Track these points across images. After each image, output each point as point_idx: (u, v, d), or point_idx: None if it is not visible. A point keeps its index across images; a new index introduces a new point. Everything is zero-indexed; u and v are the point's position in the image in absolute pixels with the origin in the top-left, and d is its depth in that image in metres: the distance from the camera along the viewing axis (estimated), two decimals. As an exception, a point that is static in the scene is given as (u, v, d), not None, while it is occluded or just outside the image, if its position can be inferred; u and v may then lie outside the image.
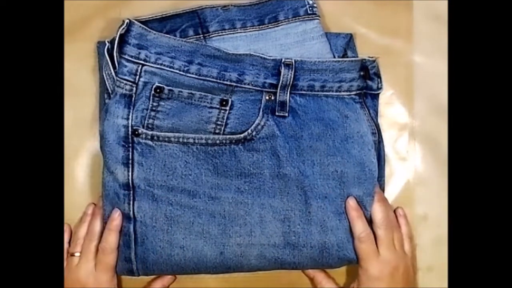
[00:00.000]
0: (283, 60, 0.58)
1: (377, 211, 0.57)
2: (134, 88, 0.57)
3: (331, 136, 0.58)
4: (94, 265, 0.56)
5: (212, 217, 0.58)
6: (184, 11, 0.60)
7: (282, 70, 0.58)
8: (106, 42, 0.57)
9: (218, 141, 0.58)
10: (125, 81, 0.57)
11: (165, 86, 0.57)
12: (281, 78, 0.58)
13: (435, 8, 0.63)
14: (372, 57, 0.60)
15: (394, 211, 0.60)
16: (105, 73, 0.58)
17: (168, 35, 0.57)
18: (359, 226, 0.57)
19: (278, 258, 0.58)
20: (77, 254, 0.57)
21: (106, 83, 0.58)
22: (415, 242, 0.62)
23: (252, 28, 0.61)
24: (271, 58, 0.58)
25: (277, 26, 0.61)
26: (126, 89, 0.57)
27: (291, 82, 0.58)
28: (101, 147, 0.58)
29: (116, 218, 0.56)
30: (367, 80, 0.60)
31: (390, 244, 0.56)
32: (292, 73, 0.58)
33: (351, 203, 0.57)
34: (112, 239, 0.56)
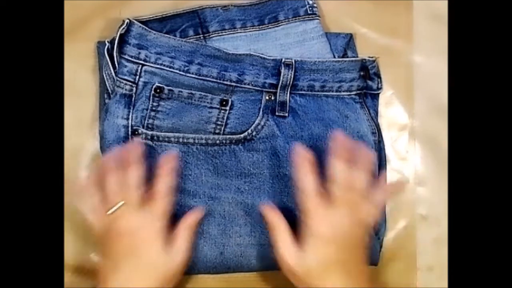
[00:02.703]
0: (283, 60, 0.58)
1: (335, 168, 0.51)
2: (134, 88, 0.57)
3: (331, 136, 0.58)
4: (139, 215, 0.51)
5: (212, 217, 0.58)
6: (184, 11, 0.60)
7: (282, 70, 0.58)
8: (106, 42, 0.57)
9: (218, 141, 0.58)
10: (125, 81, 0.57)
11: (165, 86, 0.57)
12: (281, 78, 0.58)
13: (435, 8, 0.63)
14: (372, 57, 0.60)
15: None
16: (105, 73, 0.58)
17: (168, 35, 0.58)
18: (306, 183, 0.51)
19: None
20: (113, 208, 0.51)
21: (106, 83, 0.58)
22: (415, 242, 0.62)
23: (252, 28, 0.61)
24: (271, 58, 0.58)
25: (277, 26, 0.61)
26: (126, 89, 0.57)
27: (291, 82, 0.58)
28: (101, 147, 0.58)
29: (171, 160, 0.53)
30: (367, 80, 0.60)
31: (344, 205, 0.50)
32: (292, 73, 0.58)
33: (299, 149, 0.52)
34: (165, 183, 0.52)
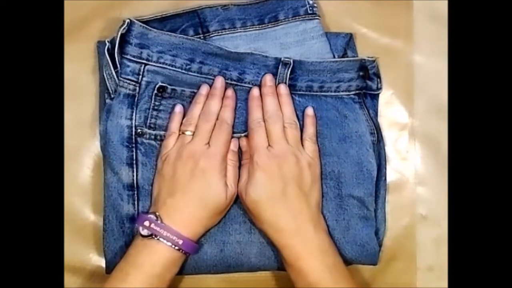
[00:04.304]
0: (282, 58, 0.58)
1: (265, 104, 0.57)
2: (137, 88, 0.57)
3: (328, 136, 0.59)
4: (207, 143, 0.55)
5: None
6: (184, 11, 0.60)
7: (279, 68, 0.58)
8: (106, 42, 0.57)
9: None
10: (128, 81, 0.57)
11: (168, 86, 0.58)
12: (278, 76, 0.58)
13: (435, 8, 0.63)
14: (371, 57, 0.60)
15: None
16: (105, 73, 0.58)
17: (169, 33, 0.57)
18: (255, 113, 0.57)
19: (277, 256, 0.58)
20: (189, 132, 0.56)
21: (107, 83, 0.58)
22: (415, 242, 0.62)
23: (252, 28, 0.61)
24: (272, 56, 0.58)
25: (277, 26, 0.61)
26: (129, 89, 0.57)
27: (287, 81, 0.58)
28: (103, 147, 0.58)
29: (231, 96, 0.58)
30: (366, 80, 0.60)
31: (279, 138, 0.56)
32: (288, 72, 0.58)
33: (254, 91, 0.58)
34: (228, 114, 0.57)
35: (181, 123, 0.57)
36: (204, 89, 0.58)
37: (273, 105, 0.57)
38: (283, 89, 0.58)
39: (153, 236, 0.52)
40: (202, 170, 0.54)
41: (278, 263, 0.58)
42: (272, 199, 0.54)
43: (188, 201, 0.54)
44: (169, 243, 0.52)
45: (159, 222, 0.53)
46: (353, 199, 0.58)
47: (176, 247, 0.53)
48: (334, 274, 0.53)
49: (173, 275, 0.54)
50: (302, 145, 0.57)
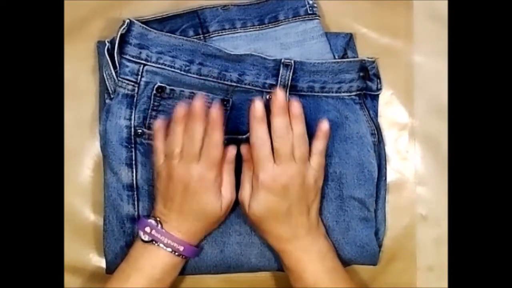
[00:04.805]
0: (282, 60, 0.58)
1: (274, 125, 0.53)
2: (136, 88, 0.57)
3: (330, 137, 0.58)
4: (196, 165, 0.53)
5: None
6: (184, 11, 0.60)
7: (281, 70, 0.58)
8: (106, 42, 0.57)
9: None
10: (127, 81, 0.57)
11: (166, 86, 0.57)
12: (279, 78, 0.58)
13: (435, 8, 0.63)
14: (371, 58, 0.60)
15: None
16: (105, 73, 0.58)
17: (169, 34, 0.57)
18: (259, 133, 0.53)
19: (277, 258, 0.58)
20: (175, 153, 0.53)
21: (107, 83, 0.58)
22: (415, 242, 0.62)
23: (252, 28, 0.61)
24: (272, 58, 0.58)
25: (277, 26, 0.61)
26: (128, 89, 0.57)
27: (289, 83, 0.58)
28: (103, 148, 0.58)
29: (217, 116, 0.52)
30: (366, 81, 0.60)
31: (286, 158, 0.53)
32: (290, 74, 0.58)
33: (257, 106, 0.53)
34: (217, 136, 0.53)
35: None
36: (182, 111, 0.54)
37: (283, 126, 0.54)
38: (297, 107, 0.55)
39: (154, 242, 0.53)
40: (194, 192, 0.53)
41: (278, 264, 0.58)
42: (274, 217, 0.54)
43: (184, 218, 0.53)
44: (170, 249, 0.53)
45: (159, 228, 0.53)
46: (353, 200, 0.58)
47: (177, 253, 0.53)
48: (333, 277, 0.53)
49: (174, 278, 0.55)
50: (310, 158, 0.55)
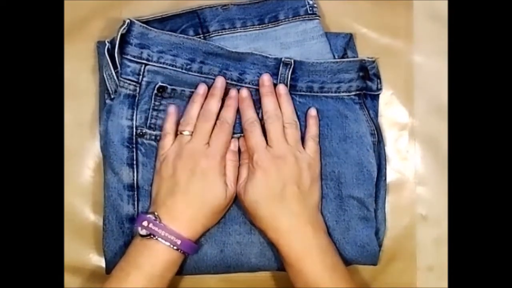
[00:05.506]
0: (283, 59, 0.58)
1: (263, 104, 0.57)
2: (138, 88, 0.57)
3: (329, 136, 0.58)
4: (207, 143, 0.55)
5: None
6: (184, 11, 0.60)
7: (280, 69, 0.58)
8: (106, 42, 0.57)
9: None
10: (128, 81, 0.57)
11: (168, 86, 0.58)
12: (279, 77, 0.58)
13: (435, 8, 0.63)
14: (371, 58, 0.60)
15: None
16: (105, 73, 0.58)
17: (169, 32, 0.57)
18: (247, 113, 0.57)
19: (277, 257, 0.58)
20: (187, 133, 0.56)
21: (107, 83, 0.58)
22: (415, 242, 0.62)
23: (252, 28, 0.61)
24: (273, 57, 0.58)
25: (277, 26, 0.61)
26: (130, 90, 0.57)
27: (288, 81, 0.58)
28: (104, 148, 0.58)
29: (234, 96, 0.57)
30: (366, 81, 0.60)
31: (278, 138, 0.55)
32: (290, 73, 0.58)
33: (243, 92, 0.57)
34: (230, 114, 0.56)
35: (177, 123, 0.57)
36: (202, 88, 0.57)
37: (271, 105, 0.57)
38: (282, 89, 0.58)
39: (152, 236, 0.52)
40: (202, 170, 0.54)
41: (278, 263, 0.58)
42: (270, 199, 0.54)
43: (188, 201, 0.54)
44: (168, 243, 0.52)
45: (157, 222, 0.53)
46: (353, 199, 0.58)
47: (175, 247, 0.52)
48: (334, 274, 0.53)
49: (174, 274, 0.54)
50: (304, 145, 0.57)
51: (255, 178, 0.54)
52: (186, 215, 0.53)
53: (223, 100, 0.57)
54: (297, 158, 0.55)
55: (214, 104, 0.56)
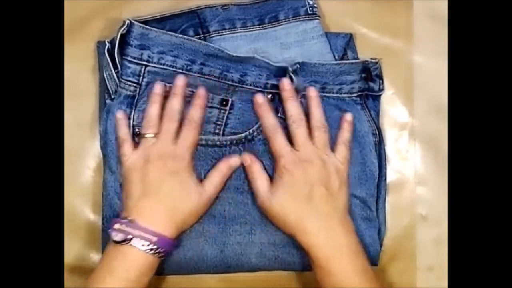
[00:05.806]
0: (289, 69, 0.57)
1: (287, 109, 0.56)
2: (138, 89, 0.57)
3: (332, 136, 0.58)
4: (173, 144, 0.54)
5: (212, 217, 0.58)
6: (184, 11, 0.60)
7: (293, 77, 0.57)
8: (106, 42, 0.57)
9: (218, 143, 0.58)
10: (129, 83, 0.57)
11: (167, 85, 0.57)
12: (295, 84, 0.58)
13: (435, 8, 0.63)
14: (374, 59, 0.60)
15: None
16: (105, 73, 0.58)
17: (170, 32, 0.57)
18: (268, 119, 0.56)
19: (278, 257, 0.58)
20: (150, 135, 0.54)
21: (107, 83, 0.58)
22: (415, 242, 0.62)
23: (252, 28, 0.61)
24: (276, 65, 0.58)
25: (277, 26, 0.61)
26: (130, 91, 0.57)
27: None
28: (103, 147, 0.58)
29: (202, 95, 0.56)
30: (368, 82, 0.60)
31: (304, 141, 0.54)
32: (300, 77, 0.58)
33: (259, 98, 0.56)
34: (198, 114, 0.56)
35: (129, 127, 0.56)
36: (158, 87, 0.56)
37: (296, 109, 0.56)
38: (313, 91, 0.57)
39: (126, 242, 0.50)
40: (172, 171, 0.53)
41: (279, 264, 0.58)
42: (297, 200, 0.53)
43: (161, 202, 0.52)
44: (143, 241, 0.50)
45: (130, 223, 0.51)
46: (355, 199, 0.58)
47: (151, 245, 0.51)
48: (363, 277, 0.52)
49: (151, 278, 0.52)
50: (334, 149, 0.56)
51: (282, 182, 0.54)
52: (159, 215, 0.52)
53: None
54: (324, 162, 0.54)
55: (177, 103, 0.55)
